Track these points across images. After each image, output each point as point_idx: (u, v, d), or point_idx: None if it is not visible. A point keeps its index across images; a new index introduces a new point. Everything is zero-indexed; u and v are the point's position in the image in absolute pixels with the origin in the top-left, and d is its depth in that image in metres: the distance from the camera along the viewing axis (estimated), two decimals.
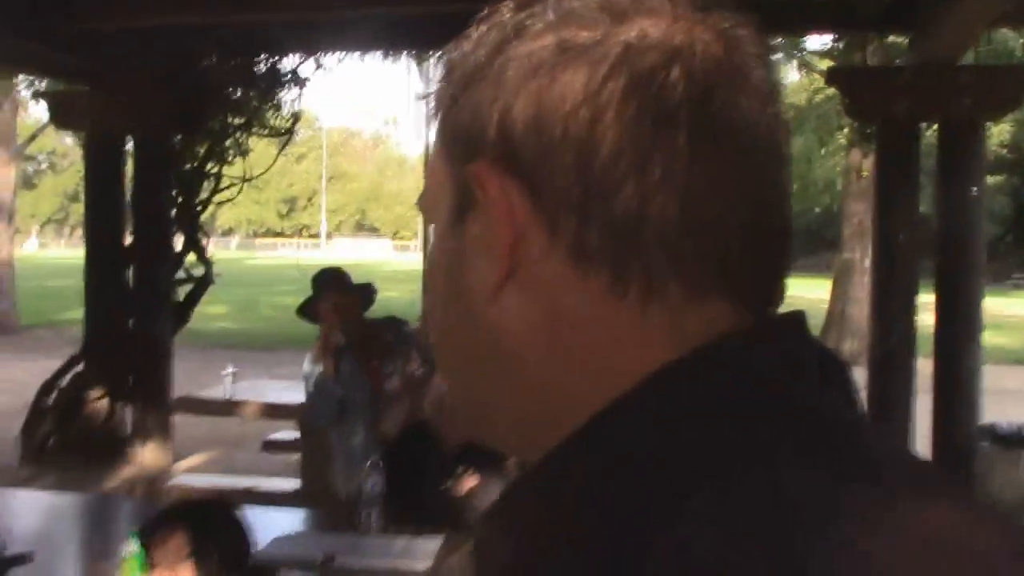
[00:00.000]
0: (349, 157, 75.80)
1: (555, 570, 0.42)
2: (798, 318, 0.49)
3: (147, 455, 7.40)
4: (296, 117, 8.10)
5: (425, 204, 0.54)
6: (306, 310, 4.13)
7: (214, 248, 8.56)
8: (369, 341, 4.11)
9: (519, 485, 0.48)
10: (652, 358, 0.44)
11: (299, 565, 2.81)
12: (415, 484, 3.43)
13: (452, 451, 3.37)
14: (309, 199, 70.92)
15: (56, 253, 49.37)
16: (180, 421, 7.49)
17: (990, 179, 40.89)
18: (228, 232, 67.56)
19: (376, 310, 4.37)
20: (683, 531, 0.38)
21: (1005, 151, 43.50)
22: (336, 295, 4.01)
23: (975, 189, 5.89)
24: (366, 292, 4.19)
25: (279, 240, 65.44)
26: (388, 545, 3.05)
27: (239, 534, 2.34)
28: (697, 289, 0.45)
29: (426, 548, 2.92)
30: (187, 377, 8.47)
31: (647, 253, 0.45)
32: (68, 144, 47.41)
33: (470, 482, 3.26)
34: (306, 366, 4.02)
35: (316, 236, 66.14)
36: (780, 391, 0.44)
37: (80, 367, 7.56)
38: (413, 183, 58.28)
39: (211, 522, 2.32)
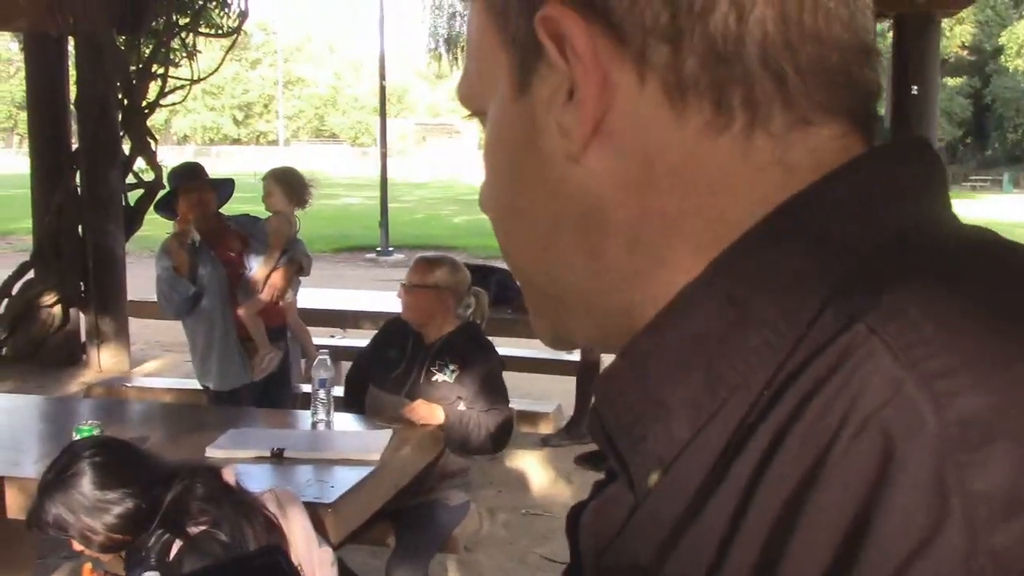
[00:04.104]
0: (305, 62, 74.18)
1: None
2: (925, 140, 0.45)
3: (105, 360, 7.39)
4: (243, 16, 7.89)
5: (468, 89, 0.49)
6: (163, 207, 4.20)
7: (170, 156, 8.41)
8: (224, 234, 4.22)
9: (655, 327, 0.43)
10: (761, 196, 0.41)
11: (250, 459, 2.85)
12: (368, 378, 3.47)
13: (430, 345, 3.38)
14: (265, 106, 69.61)
15: (5, 162, 48.13)
16: (137, 326, 7.45)
17: (950, 81, 41.04)
18: (184, 140, 66.24)
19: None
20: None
21: (966, 53, 43.60)
22: (191, 189, 4.09)
23: (915, 88, 5.90)
24: (224, 187, 4.26)
25: (236, 148, 64.28)
26: (339, 438, 3.10)
27: None
28: (801, 113, 0.41)
29: (377, 440, 2.97)
30: (143, 283, 8.40)
31: (750, 76, 0.40)
32: (13, 50, 45.91)
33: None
34: (160, 260, 4.08)
35: (274, 143, 65.09)
36: (929, 224, 0.42)
37: (31, 274, 7.48)
38: (371, 88, 57.27)
39: None
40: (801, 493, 0.34)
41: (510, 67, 0.45)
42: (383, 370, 3.42)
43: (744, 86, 0.41)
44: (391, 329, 3.56)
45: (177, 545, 2.17)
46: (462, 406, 3.26)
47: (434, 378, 3.30)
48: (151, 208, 7.63)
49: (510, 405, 3.41)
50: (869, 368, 0.34)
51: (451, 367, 3.30)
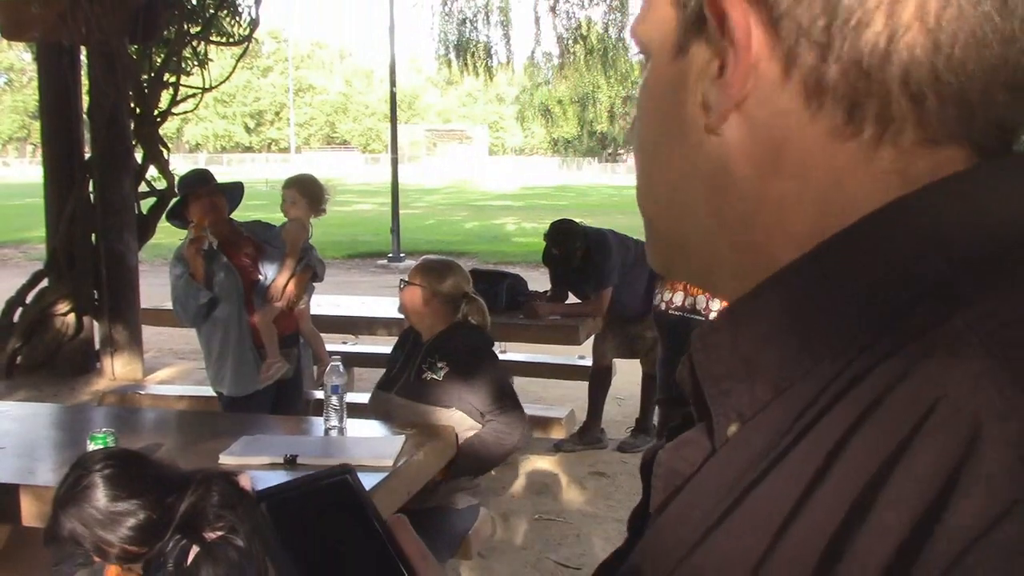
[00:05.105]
0: (316, 70, 74.47)
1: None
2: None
3: (118, 368, 7.42)
4: (254, 24, 7.92)
5: (641, 28, 0.52)
6: (175, 216, 4.21)
7: (182, 164, 8.46)
8: (238, 240, 4.23)
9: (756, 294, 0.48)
10: (877, 197, 0.45)
11: (263, 465, 2.85)
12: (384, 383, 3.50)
13: (426, 345, 3.41)
14: (277, 113, 69.94)
15: (19, 172, 48.46)
16: (150, 334, 7.48)
17: None
18: (196, 148, 66.56)
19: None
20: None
21: None
22: (201, 194, 4.09)
23: None
24: (233, 192, 4.26)
25: (248, 155, 64.55)
26: (351, 444, 3.10)
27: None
28: (931, 133, 0.44)
29: (389, 446, 2.98)
30: (156, 291, 8.44)
31: (888, 94, 0.43)
32: (26, 60, 46.24)
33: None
34: (174, 267, 4.08)
35: (285, 150, 65.35)
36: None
37: (44, 282, 7.52)
38: (382, 95, 57.46)
39: None
40: (893, 461, 0.38)
41: (675, 27, 0.49)
42: (387, 370, 3.52)
43: (880, 101, 0.43)
44: (404, 332, 3.65)
45: (194, 551, 2.18)
46: (458, 413, 3.28)
47: (423, 376, 3.33)
48: (163, 216, 7.68)
49: (521, 408, 3.42)
50: (963, 358, 0.38)
51: (439, 365, 3.32)
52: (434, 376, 3.31)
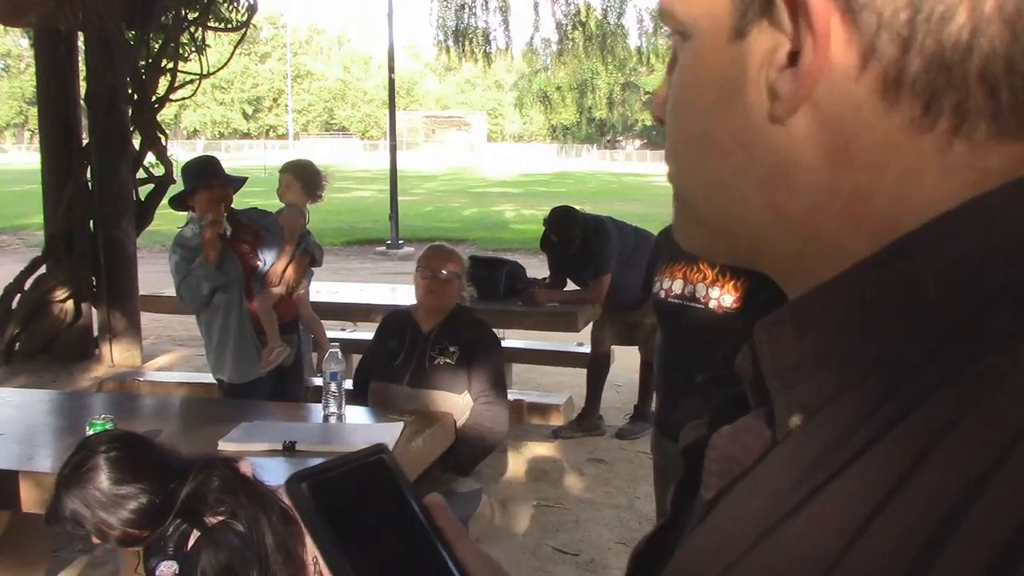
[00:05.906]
0: (314, 56, 74.26)
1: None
2: None
3: (117, 354, 7.43)
4: (251, 10, 7.89)
5: (684, 10, 0.49)
6: (180, 201, 4.21)
7: (180, 151, 8.44)
8: (236, 227, 4.23)
9: (807, 299, 0.48)
10: (951, 193, 0.44)
11: (262, 452, 2.86)
12: (371, 373, 3.50)
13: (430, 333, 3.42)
14: (275, 99, 69.77)
15: (17, 158, 48.35)
16: (148, 321, 7.47)
17: None
18: (194, 134, 66.40)
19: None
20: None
21: None
22: (215, 185, 4.10)
23: None
24: (237, 182, 4.26)
25: (246, 142, 64.40)
26: (350, 431, 3.11)
27: None
28: (1007, 126, 0.43)
29: (388, 433, 2.98)
30: (155, 277, 8.44)
31: (967, 87, 0.42)
32: (23, 46, 46.10)
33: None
34: (183, 254, 4.09)
35: (284, 137, 65.21)
36: None
37: (43, 269, 7.52)
38: (380, 81, 57.33)
39: None
40: (989, 473, 0.37)
41: (731, 8, 0.46)
42: (385, 361, 3.48)
43: (958, 94, 0.42)
44: (390, 321, 3.61)
45: (195, 536, 2.19)
46: (467, 397, 3.29)
47: (436, 362, 3.34)
48: (162, 202, 7.67)
49: (516, 397, 3.45)
50: None
51: (451, 349, 3.34)
52: (447, 360, 3.31)
